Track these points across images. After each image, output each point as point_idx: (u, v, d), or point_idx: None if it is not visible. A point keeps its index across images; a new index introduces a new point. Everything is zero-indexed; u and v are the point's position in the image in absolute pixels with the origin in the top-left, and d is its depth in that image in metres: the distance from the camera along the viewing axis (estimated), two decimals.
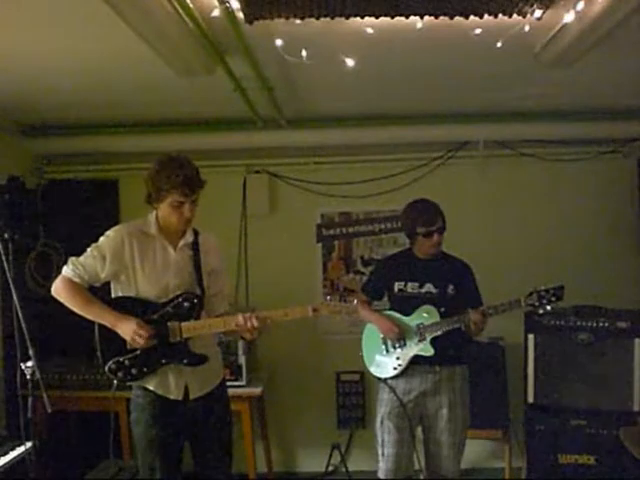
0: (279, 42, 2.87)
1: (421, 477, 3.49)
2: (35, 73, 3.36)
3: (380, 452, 3.41)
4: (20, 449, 3.23)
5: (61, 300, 2.77)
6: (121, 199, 4.90)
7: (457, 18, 2.66)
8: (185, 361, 2.80)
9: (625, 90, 4.05)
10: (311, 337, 4.83)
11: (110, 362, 2.77)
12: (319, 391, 4.93)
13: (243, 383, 4.18)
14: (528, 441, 4.18)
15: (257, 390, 4.27)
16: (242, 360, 4.21)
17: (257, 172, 4.90)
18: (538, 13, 2.61)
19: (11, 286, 2.86)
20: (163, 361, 2.78)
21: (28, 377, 2.80)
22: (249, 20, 2.64)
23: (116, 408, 4.19)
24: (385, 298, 3.57)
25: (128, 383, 2.84)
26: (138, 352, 2.75)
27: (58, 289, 2.77)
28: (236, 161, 4.80)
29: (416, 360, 3.33)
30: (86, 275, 2.76)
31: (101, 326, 2.76)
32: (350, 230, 4.99)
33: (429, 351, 3.29)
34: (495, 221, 4.84)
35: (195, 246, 2.88)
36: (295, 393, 4.92)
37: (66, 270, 2.78)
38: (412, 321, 3.35)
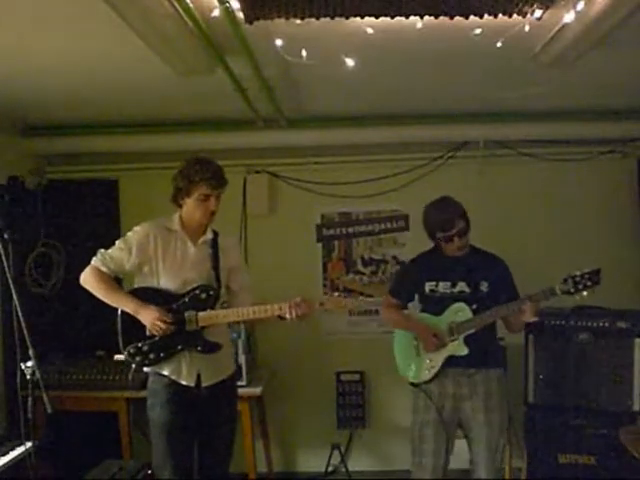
0: (279, 42, 2.86)
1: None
2: (35, 73, 3.36)
3: (416, 461, 3.29)
4: (20, 449, 3.23)
5: (87, 287, 3.00)
6: (121, 199, 4.90)
7: (457, 18, 2.66)
8: (199, 348, 3.00)
9: (625, 90, 4.04)
10: (311, 337, 4.82)
11: (129, 347, 2.99)
12: (319, 391, 4.92)
13: (243, 383, 4.15)
14: (528, 441, 4.18)
15: (257, 390, 4.26)
16: (242, 360, 4.19)
17: (257, 172, 4.91)
18: (538, 13, 2.61)
19: (11, 286, 2.85)
20: (179, 347, 2.99)
21: (28, 377, 2.79)
22: (249, 20, 2.63)
23: (116, 408, 4.22)
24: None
25: (145, 368, 3.06)
26: (156, 339, 2.96)
27: (85, 277, 3.00)
28: (236, 161, 4.79)
29: (450, 363, 3.20)
30: (112, 265, 3.00)
31: (123, 313, 2.99)
32: (350, 230, 4.99)
33: (463, 350, 3.16)
34: (495, 221, 4.82)
35: (214, 244, 3.11)
36: (295, 393, 4.92)
37: (95, 260, 3.02)
38: (444, 320, 3.22)
